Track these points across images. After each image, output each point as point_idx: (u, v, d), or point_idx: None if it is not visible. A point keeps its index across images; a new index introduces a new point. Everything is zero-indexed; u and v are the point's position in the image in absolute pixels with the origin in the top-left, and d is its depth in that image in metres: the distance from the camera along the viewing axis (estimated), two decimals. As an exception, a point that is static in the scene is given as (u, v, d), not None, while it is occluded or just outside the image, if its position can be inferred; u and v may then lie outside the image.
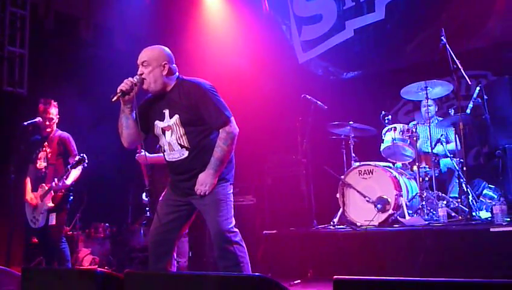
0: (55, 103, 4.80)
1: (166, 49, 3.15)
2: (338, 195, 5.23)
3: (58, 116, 4.83)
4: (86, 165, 4.60)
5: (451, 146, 5.35)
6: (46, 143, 4.74)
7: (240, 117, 3.29)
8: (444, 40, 4.73)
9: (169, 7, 7.65)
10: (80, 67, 6.68)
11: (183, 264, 4.87)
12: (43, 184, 4.61)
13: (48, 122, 4.74)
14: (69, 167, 4.58)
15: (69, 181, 4.64)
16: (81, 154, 4.60)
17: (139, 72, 3.05)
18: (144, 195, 5.58)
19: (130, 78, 3.00)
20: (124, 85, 2.97)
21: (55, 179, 4.55)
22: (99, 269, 2.41)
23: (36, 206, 4.62)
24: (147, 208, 5.66)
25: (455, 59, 4.69)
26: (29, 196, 4.67)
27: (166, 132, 3.07)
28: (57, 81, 6.32)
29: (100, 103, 5.57)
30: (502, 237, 3.85)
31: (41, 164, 4.70)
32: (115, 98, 2.95)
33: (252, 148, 6.17)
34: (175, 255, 3.28)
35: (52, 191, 4.58)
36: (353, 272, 4.18)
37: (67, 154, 4.72)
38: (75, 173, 4.67)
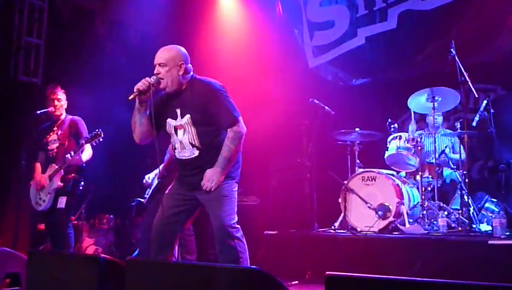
0: (62, 90, 4.82)
1: (183, 49, 3.20)
2: (340, 200, 5.28)
3: (66, 102, 4.82)
4: (101, 140, 4.46)
5: (456, 156, 5.38)
6: (55, 127, 4.76)
7: (248, 118, 3.35)
8: (454, 52, 4.76)
9: (184, 7, 7.74)
10: (94, 60, 6.79)
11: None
12: (53, 164, 4.57)
13: (56, 103, 4.73)
14: (83, 141, 4.49)
15: (84, 157, 4.59)
16: (98, 129, 4.48)
17: (156, 72, 3.08)
18: (148, 177, 4.83)
19: (147, 78, 3.04)
20: (141, 85, 3.01)
21: (71, 153, 4.46)
22: (102, 255, 2.49)
23: (43, 187, 4.57)
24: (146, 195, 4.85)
25: (463, 72, 4.71)
26: (38, 177, 4.63)
27: (179, 130, 3.13)
28: (71, 72, 6.42)
29: (111, 96, 5.74)
30: (499, 250, 3.88)
31: (52, 145, 4.70)
32: (132, 96, 3.01)
33: (258, 150, 6.22)
34: (178, 250, 3.35)
35: (62, 171, 4.51)
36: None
37: (78, 136, 4.66)
38: (89, 151, 4.63)
